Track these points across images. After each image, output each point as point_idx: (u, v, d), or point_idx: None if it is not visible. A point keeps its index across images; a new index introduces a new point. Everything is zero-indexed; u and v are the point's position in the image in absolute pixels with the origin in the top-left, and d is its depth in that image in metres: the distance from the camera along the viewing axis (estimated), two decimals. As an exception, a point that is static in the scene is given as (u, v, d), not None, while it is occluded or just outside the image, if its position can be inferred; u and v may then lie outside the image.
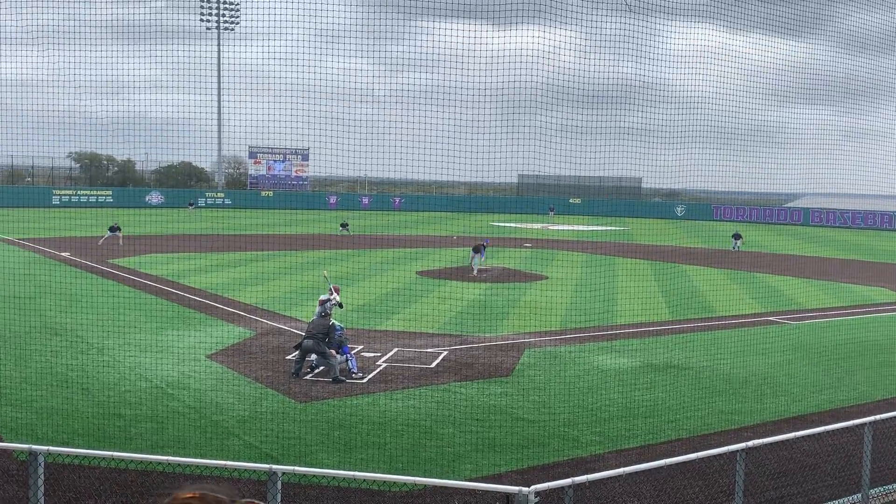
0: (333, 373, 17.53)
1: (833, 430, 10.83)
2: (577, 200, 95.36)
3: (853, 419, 11.09)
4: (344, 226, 58.85)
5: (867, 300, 32.78)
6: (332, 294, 19.81)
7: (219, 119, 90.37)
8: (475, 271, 36.50)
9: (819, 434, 10.66)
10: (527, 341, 22.34)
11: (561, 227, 72.80)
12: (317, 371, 18.22)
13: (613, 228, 72.90)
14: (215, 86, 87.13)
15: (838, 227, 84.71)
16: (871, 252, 55.72)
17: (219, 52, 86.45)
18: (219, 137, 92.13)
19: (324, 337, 17.84)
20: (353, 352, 18.63)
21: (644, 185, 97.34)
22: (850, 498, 10.59)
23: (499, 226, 70.68)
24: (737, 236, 54.98)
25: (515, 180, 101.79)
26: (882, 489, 10.89)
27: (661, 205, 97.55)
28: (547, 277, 36.93)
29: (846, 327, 26.22)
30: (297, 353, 18.08)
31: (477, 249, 37.32)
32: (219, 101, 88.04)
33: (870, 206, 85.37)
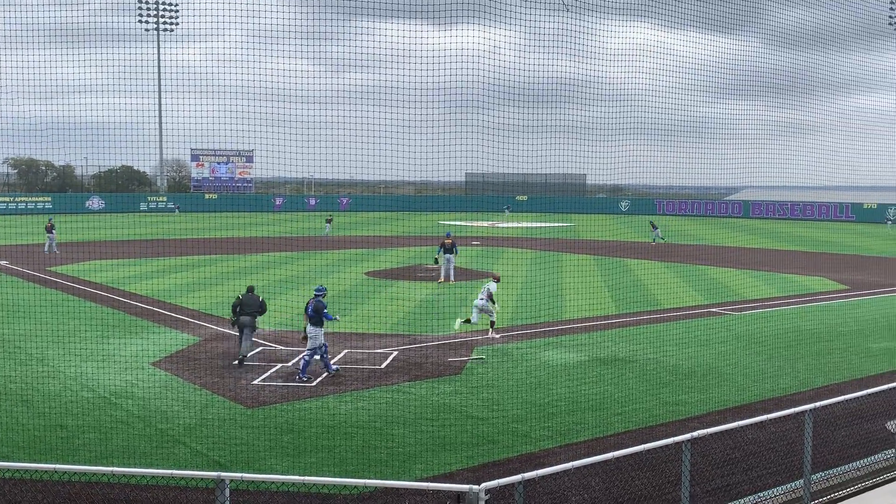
0: (245, 351, 19.13)
1: (776, 418, 11.08)
2: (524, 198, 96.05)
3: (795, 407, 11.35)
4: (328, 221, 61.30)
5: (807, 289, 33.62)
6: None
7: (160, 122, 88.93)
8: (449, 277, 34.04)
9: (762, 422, 10.89)
10: (476, 339, 22.41)
11: (508, 225, 73.22)
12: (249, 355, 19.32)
13: (560, 225, 73.56)
14: (155, 88, 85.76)
15: (777, 218, 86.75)
16: (809, 242, 57.18)
17: (158, 53, 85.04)
18: (160, 140, 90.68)
19: (258, 312, 19.25)
20: (302, 354, 18.50)
21: (589, 182, 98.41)
22: (793, 484, 10.84)
23: (447, 224, 70.81)
24: (654, 226, 56.26)
25: (463, 179, 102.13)
26: (823, 474, 11.17)
27: (605, 201, 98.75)
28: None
29: (787, 316, 26.85)
30: (238, 335, 19.25)
31: (448, 249, 34.16)
32: (159, 103, 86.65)
33: (807, 197, 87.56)
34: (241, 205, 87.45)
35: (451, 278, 34.13)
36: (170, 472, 9.00)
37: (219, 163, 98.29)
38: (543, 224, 74.63)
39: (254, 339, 20.03)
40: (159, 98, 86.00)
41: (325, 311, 18.35)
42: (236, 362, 19.08)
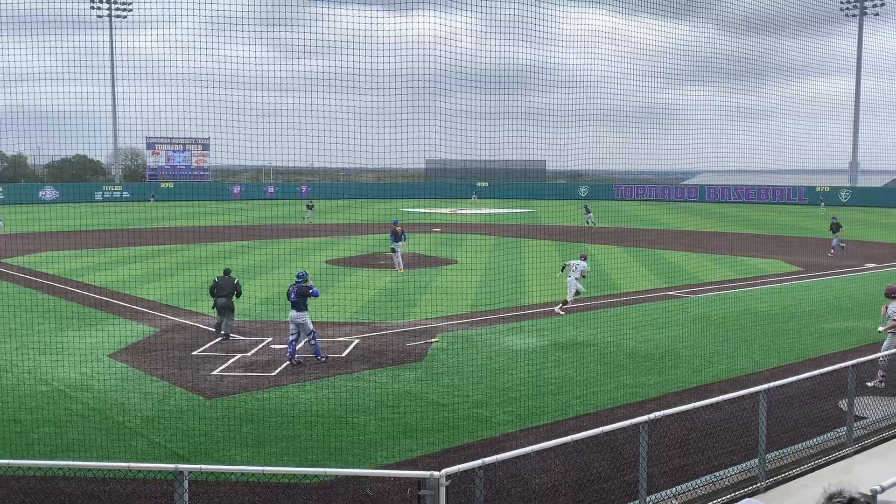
0: (228, 329, 20.51)
1: (731, 399, 11.27)
2: (485, 184, 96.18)
3: (750, 387, 11.55)
4: (310, 207, 62.16)
5: (761, 272, 34.19)
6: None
7: (114, 110, 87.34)
8: (399, 265, 33.97)
9: (718, 403, 11.08)
10: (438, 326, 22.47)
11: (470, 212, 73.31)
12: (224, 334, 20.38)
13: (520, 211, 73.85)
14: (109, 75, 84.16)
15: (732, 202, 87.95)
16: (764, 226, 58.08)
17: (111, 40, 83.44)
18: (114, 129, 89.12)
19: (232, 293, 20.62)
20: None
21: (548, 168, 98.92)
22: (748, 463, 11.04)
23: (409, 211, 70.70)
24: (588, 210, 57.44)
25: (423, 166, 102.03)
26: (777, 453, 11.39)
27: (565, 186, 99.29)
28: (457, 262, 37.21)
29: (742, 299, 27.30)
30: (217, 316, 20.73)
31: (397, 237, 34.33)
32: (113, 91, 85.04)
33: (761, 181, 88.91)
34: (198, 193, 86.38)
35: (399, 265, 34.10)
36: (127, 465, 8.91)
37: (174, 151, 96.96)
38: (504, 210, 74.86)
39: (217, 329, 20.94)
40: (113, 86, 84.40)
41: (312, 288, 18.70)
42: (218, 339, 20.44)
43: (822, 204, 77.02)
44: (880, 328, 17.03)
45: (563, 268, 25.77)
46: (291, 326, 18.39)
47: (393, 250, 34.78)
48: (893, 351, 15.83)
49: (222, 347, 19.74)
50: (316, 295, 18.78)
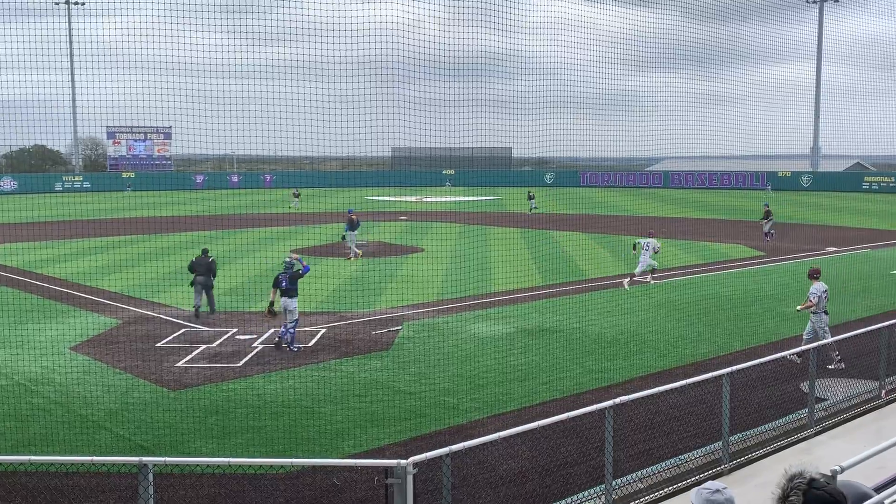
0: (200, 304, 22.07)
1: (695, 383, 11.40)
2: (451, 172, 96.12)
3: (713, 371, 11.69)
4: (296, 195, 63.50)
5: (724, 257, 34.61)
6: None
7: (73, 98, 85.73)
8: (352, 254, 34.03)
9: (682, 387, 11.20)
10: (405, 314, 22.45)
11: (436, 199, 73.25)
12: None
13: (486, 198, 73.94)
14: (68, 63, 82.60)
15: (696, 188, 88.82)
16: (726, 211, 58.77)
17: (69, 27, 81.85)
18: (74, 118, 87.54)
19: (208, 272, 22.25)
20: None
21: (514, 155, 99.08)
22: (713, 446, 11.19)
23: (374, 200, 70.49)
24: (531, 196, 58.28)
25: (389, 154, 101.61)
26: (741, 435, 11.56)
27: (531, 174, 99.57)
28: (423, 250, 37.19)
29: (705, 283, 27.62)
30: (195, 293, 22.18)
31: (352, 225, 34.39)
32: (72, 79, 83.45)
33: (724, 167, 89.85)
34: (161, 183, 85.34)
35: (352, 254, 34.04)
36: (90, 458, 8.79)
37: (136, 140, 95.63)
38: (470, 198, 74.90)
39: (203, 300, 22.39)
40: (72, 74, 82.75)
41: (306, 268, 19.29)
42: (195, 315, 21.98)
43: (768, 188, 78.33)
44: (798, 307, 17.81)
45: (635, 246, 27.91)
46: (285, 314, 18.69)
47: (343, 238, 34.68)
48: (822, 341, 15.94)
49: (186, 339, 19.56)
50: (308, 270, 19.36)
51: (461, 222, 49.42)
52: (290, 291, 18.66)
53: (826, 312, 16.99)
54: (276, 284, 18.97)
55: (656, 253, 27.45)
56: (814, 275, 17.54)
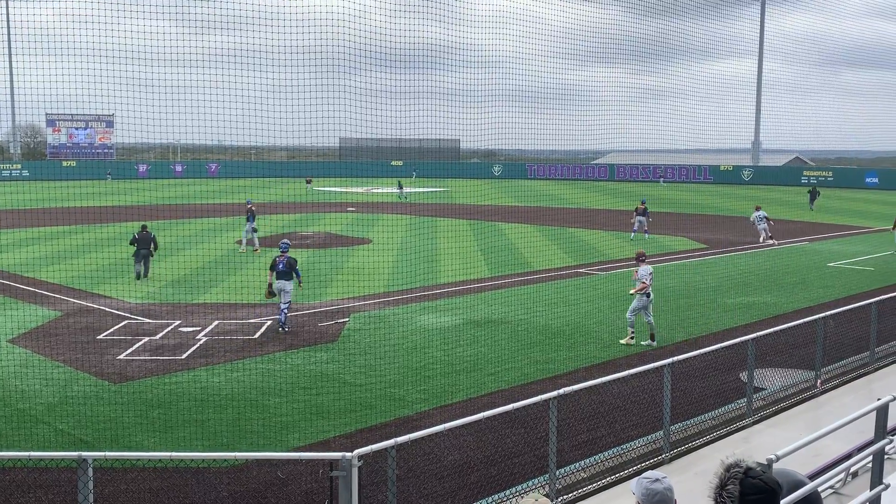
0: (141, 273, 26.13)
1: (638, 373, 11.59)
2: (399, 163, 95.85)
3: (656, 361, 11.90)
4: (308, 181, 64.80)
5: (669, 249, 35.18)
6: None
7: (11, 85, 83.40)
8: (243, 245, 33.48)
9: (625, 377, 11.38)
10: (352, 306, 22.38)
11: (384, 190, 73.03)
12: None
13: (434, 190, 73.95)
14: (5, 49, 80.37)
15: (640, 181, 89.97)
16: (671, 204, 59.64)
17: (7, 11, 79.52)
18: (12, 105, 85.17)
19: (150, 245, 26.12)
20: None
21: (462, 147, 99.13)
22: (654, 435, 11.40)
23: (322, 191, 69.99)
24: (400, 186, 60.31)
25: (337, 144, 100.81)
26: (681, 425, 11.79)
27: (479, 165, 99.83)
28: (371, 241, 37.07)
29: (650, 275, 28.00)
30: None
31: (250, 218, 33.32)
32: (10, 65, 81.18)
33: (668, 160, 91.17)
34: (102, 172, 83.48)
35: (243, 245, 33.58)
36: (27, 453, 8.61)
37: (77, 128, 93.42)
38: (419, 189, 74.83)
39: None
40: (10, 60, 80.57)
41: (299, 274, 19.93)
42: (136, 279, 25.73)
43: (662, 180, 79.96)
44: (631, 291, 18.88)
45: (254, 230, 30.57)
46: (285, 295, 19.39)
47: (255, 230, 33.78)
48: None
49: (128, 331, 19.23)
50: (298, 274, 19.88)
51: (409, 214, 49.35)
52: (286, 274, 19.41)
53: (649, 294, 18.29)
54: (273, 267, 19.64)
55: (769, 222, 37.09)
56: (640, 258, 19.03)
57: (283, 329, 19.15)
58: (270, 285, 19.64)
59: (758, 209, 38.56)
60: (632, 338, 18.31)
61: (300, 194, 59.99)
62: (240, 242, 34.12)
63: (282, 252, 19.89)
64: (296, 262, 19.92)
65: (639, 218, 38.39)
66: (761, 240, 37.67)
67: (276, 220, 43.92)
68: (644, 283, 18.22)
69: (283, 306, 19.34)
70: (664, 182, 76.18)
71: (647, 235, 38.07)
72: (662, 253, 33.96)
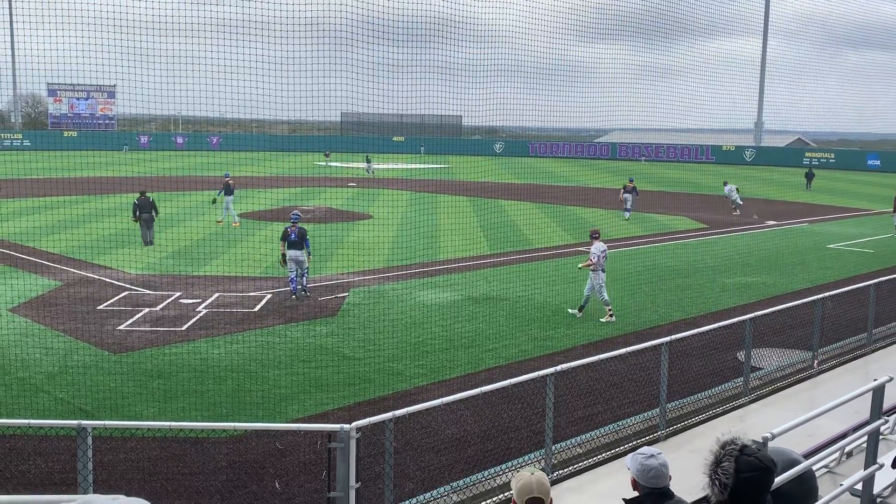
0: (147, 238, 27.17)
1: (635, 351, 11.64)
2: (401, 139, 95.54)
3: (653, 340, 11.94)
4: (327, 155, 65.77)
5: (668, 228, 35.18)
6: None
7: (13, 53, 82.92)
8: (232, 218, 33.44)
9: (622, 355, 11.43)
10: (352, 281, 22.42)
11: (385, 166, 72.86)
12: None
13: (436, 166, 73.79)
14: (6, 16, 79.77)
15: (654, 160, 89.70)
16: (671, 183, 59.57)
17: (7, -22, 78.90)
18: (13, 74, 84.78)
19: (151, 210, 27.18)
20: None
21: (464, 123, 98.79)
22: (650, 413, 11.47)
23: (323, 165, 69.84)
24: (368, 160, 62.04)
25: (338, 118, 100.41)
26: (677, 403, 11.86)
27: (480, 142, 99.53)
28: (372, 216, 37.06)
29: (649, 254, 28.07)
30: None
31: (229, 190, 33.20)
32: (11, 33, 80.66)
33: (670, 139, 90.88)
34: (104, 143, 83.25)
35: (222, 219, 33.53)
36: (27, 421, 8.67)
37: (78, 98, 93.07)
38: (420, 165, 74.67)
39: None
40: (11, 28, 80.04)
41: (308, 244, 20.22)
42: (144, 244, 26.74)
43: (643, 159, 79.87)
44: (580, 265, 19.51)
45: (214, 201, 32.85)
46: (291, 265, 19.75)
47: (213, 201, 33.95)
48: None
49: (129, 302, 19.28)
50: (308, 245, 20.14)
51: (411, 190, 49.28)
52: (298, 244, 19.87)
53: (604, 270, 18.66)
54: (285, 237, 20.05)
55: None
56: (594, 235, 19.25)
57: (306, 294, 19.92)
58: (284, 255, 19.97)
59: (726, 184, 41.19)
60: (610, 313, 18.54)
61: (301, 168, 59.90)
62: (228, 221, 33.72)
63: (293, 223, 20.20)
64: (306, 232, 20.31)
65: (626, 195, 38.34)
66: (738, 212, 39.79)
67: (277, 194, 43.89)
68: (591, 260, 18.63)
69: (296, 276, 19.84)
70: (645, 160, 76.16)
71: (627, 214, 37.75)
72: (662, 232, 33.97)
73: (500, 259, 26.35)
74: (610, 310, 18.60)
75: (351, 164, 71.68)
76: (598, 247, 18.80)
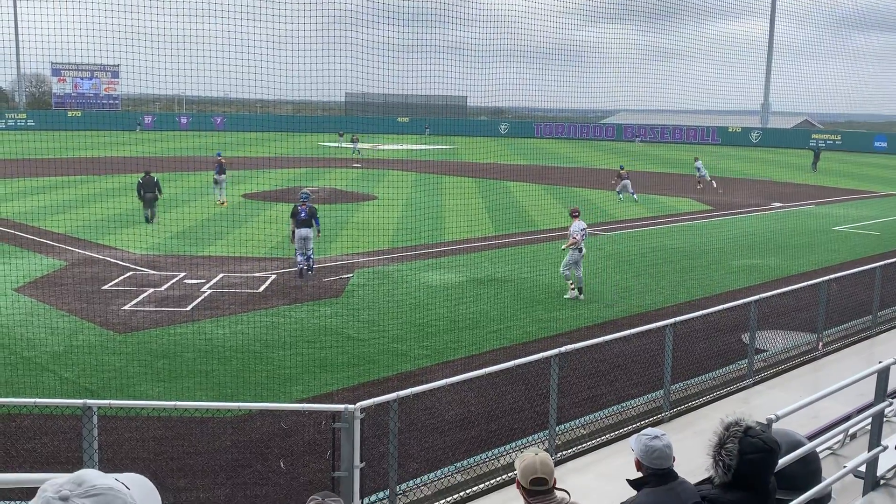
0: (149, 218, 27.55)
1: (639, 332, 11.64)
2: (406, 119, 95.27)
3: (658, 321, 11.94)
4: (341, 134, 66.06)
5: (673, 210, 35.08)
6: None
7: (16, 32, 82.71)
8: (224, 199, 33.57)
9: (627, 336, 11.43)
10: (357, 262, 22.42)
11: (390, 147, 72.71)
12: None
13: (441, 147, 73.58)
14: (9, -5, 79.40)
15: (648, 142, 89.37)
16: (677, 165, 59.35)
17: (10, -43, 78.49)
18: (17, 53, 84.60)
19: (155, 189, 27.90)
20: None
21: (470, 104, 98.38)
22: (654, 394, 11.48)
23: (327, 146, 69.66)
24: (354, 140, 62.39)
25: (343, 99, 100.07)
26: (681, 385, 11.87)
27: (486, 123, 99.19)
28: (376, 197, 37.00)
29: (654, 236, 28.02)
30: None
31: (221, 169, 33.49)
32: (15, 11, 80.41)
33: (675, 121, 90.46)
34: (108, 123, 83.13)
35: (224, 200, 33.55)
36: (33, 400, 8.71)
37: (82, 78, 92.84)
38: (425, 146, 74.48)
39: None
40: (15, 6, 79.81)
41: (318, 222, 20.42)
42: (147, 221, 27.23)
43: (637, 140, 79.56)
44: (563, 246, 19.68)
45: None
46: (298, 244, 19.96)
47: (216, 182, 33.92)
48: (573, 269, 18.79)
49: (134, 282, 19.32)
50: (318, 223, 20.36)
51: (415, 171, 49.20)
52: (307, 222, 20.01)
53: (581, 249, 18.91)
54: (294, 215, 20.23)
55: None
56: (574, 213, 19.76)
57: (311, 271, 20.01)
58: (293, 232, 20.14)
59: (697, 160, 44.07)
60: (573, 289, 18.80)
61: (305, 148, 59.75)
62: (224, 202, 33.62)
63: (303, 201, 20.36)
64: (316, 210, 20.46)
65: (624, 182, 38.05)
66: (703, 186, 42.31)
67: (282, 175, 43.83)
68: (574, 238, 18.87)
69: (305, 255, 19.98)
70: (639, 141, 75.91)
71: (620, 196, 37.45)
72: (667, 214, 33.88)
73: (505, 240, 26.31)
74: (572, 286, 18.80)
75: (344, 145, 71.35)
76: (577, 225, 19.12)
